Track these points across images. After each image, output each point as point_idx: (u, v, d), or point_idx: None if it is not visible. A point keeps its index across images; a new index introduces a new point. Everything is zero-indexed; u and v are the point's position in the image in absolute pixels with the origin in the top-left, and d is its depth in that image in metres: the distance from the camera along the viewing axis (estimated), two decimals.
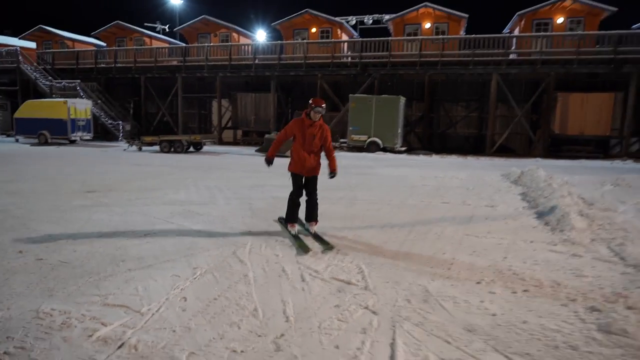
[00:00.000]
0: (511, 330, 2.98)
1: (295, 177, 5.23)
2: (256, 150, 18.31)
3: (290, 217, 5.31)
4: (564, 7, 22.10)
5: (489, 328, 3.00)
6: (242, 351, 2.64)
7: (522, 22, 23.06)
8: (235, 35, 29.26)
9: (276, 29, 28.00)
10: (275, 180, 9.97)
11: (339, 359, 2.56)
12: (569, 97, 20.40)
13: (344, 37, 27.64)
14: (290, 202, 5.27)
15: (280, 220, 5.92)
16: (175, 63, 27.29)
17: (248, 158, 16.51)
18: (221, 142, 26.05)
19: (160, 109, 27.80)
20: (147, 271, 3.97)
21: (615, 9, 21.09)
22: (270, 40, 31.88)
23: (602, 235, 5.39)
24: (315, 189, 5.32)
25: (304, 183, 5.23)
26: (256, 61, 25.20)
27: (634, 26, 23.35)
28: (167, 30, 38.60)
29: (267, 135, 18.10)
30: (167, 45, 30.92)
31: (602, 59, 19.88)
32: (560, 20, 22.35)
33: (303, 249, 4.66)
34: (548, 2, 22.07)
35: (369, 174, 11.79)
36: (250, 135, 26.89)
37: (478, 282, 3.84)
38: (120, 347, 2.66)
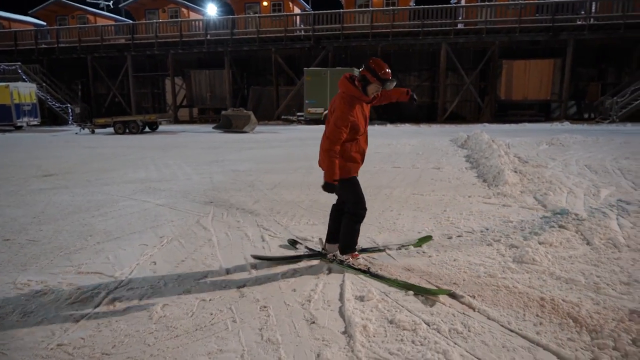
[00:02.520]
0: (443, 267, 3.49)
1: (354, 182, 3.49)
2: (213, 127, 18.30)
3: (353, 243, 3.57)
4: None
5: (425, 266, 3.49)
6: (210, 299, 3.00)
7: None
8: (184, 10, 28.45)
9: (227, 3, 27.44)
10: (232, 154, 10.20)
11: (295, 299, 2.97)
12: (513, 64, 21.42)
13: (297, 10, 27.48)
14: (352, 223, 3.51)
15: (291, 241, 4.12)
16: (123, 41, 26.34)
17: (206, 135, 16.52)
18: (177, 121, 25.67)
19: (110, 90, 26.92)
20: (116, 242, 4.23)
21: None
22: (222, 14, 31.18)
23: (531, 188, 6.06)
24: None
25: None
26: (208, 37, 24.74)
27: None
28: (112, 6, 36.85)
29: (223, 112, 18.08)
30: (112, 22, 29.67)
31: (541, 27, 20.92)
32: None
33: (439, 293, 2.96)
34: None
35: None
36: (206, 112, 26.61)
37: (419, 232, 4.35)
38: (98, 304, 2.96)
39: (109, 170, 8.60)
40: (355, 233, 3.54)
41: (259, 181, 7.09)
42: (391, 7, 24.06)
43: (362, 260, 3.55)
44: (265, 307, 2.86)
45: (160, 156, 10.67)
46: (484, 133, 11.20)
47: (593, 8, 21.12)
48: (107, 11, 34.44)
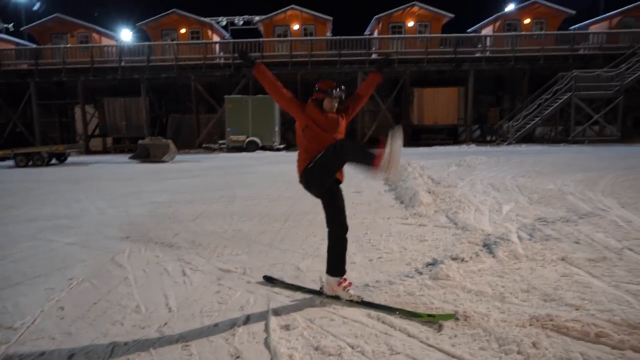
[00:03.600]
0: (365, 288, 3.59)
1: (337, 188, 3.41)
2: (130, 158, 17.42)
3: (340, 266, 3.32)
4: (413, 12, 24.83)
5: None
6: (125, 343, 2.82)
7: (380, 25, 25.33)
8: (95, 35, 27.18)
9: (142, 29, 26.69)
10: (151, 185, 9.77)
11: (219, 334, 2.89)
12: (423, 92, 23.03)
13: (215, 38, 27.43)
14: (337, 243, 3.31)
15: (269, 279, 3.81)
16: (25, 67, 24.43)
17: (121, 166, 15.66)
18: (89, 152, 24.10)
19: (10, 119, 24.68)
20: (16, 289, 3.83)
21: (452, 15, 24.36)
22: (137, 41, 30.16)
23: (443, 207, 6.49)
24: None
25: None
26: (122, 63, 23.77)
27: (468, 30, 27.17)
28: (12, 29, 34.13)
29: (140, 141, 17.32)
30: (13, 46, 27.45)
31: (446, 59, 22.85)
32: (411, 24, 25.05)
33: (444, 318, 2.93)
34: (400, 7, 24.59)
35: (248, 173, 12.11)
36: (122, 142, 25.29)
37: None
38: None
39: (9, 208, 7.81)
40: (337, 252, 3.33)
41: (179, 212, 6.85)
42: (309, 37, 24.90)
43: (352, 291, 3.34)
44: (187, 345, 2.74)
45: (70, 190, 9.92)
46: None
47: (488, 42, 23.56)
48: (7, 34, 31.82)
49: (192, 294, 3.57)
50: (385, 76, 3.58)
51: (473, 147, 19.94)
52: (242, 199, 8.06)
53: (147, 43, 24.72)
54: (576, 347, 2.54)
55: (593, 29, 25.56)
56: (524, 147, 19.22)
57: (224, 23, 32.30)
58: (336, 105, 3.29)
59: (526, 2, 24.71)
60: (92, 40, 26.70)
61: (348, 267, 3.48)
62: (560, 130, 23.12)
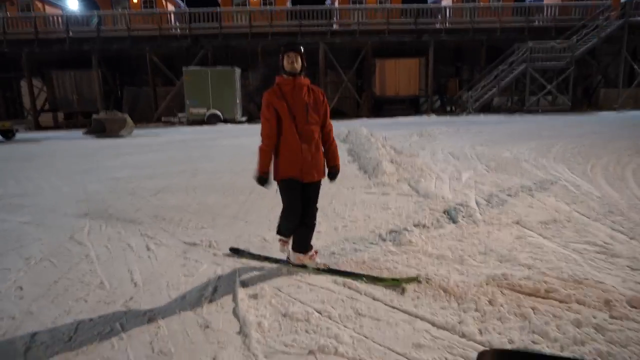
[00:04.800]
0: (331, 256, 3.67)
1: (290, 186, 3.20)
2: (84, 133, 16.67)
3: (304, 244, 3.43)
4: None
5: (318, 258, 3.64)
6: (90, 319, 2.78)
7: None
8: (38, 3, 25.39)
9: None
10: (109, 161, 9.45)
11: (187, 306, 2.90)
12: (385, 63, 23.07)
13: (170, 8, 26.25)
14: (285, 221, 3.42)
15: (236, 251, 3.80)
16: None
17: (76, 142, 14.98)
18: (39, 128, 22.88)
19: None
20: None
21: None
22: (85, 10, 28.38)
23: (405, 176, 6.64)
24: (316, 202, 3.42)
25: (303, 194, 3.26)
26: (70, 34, 22.41)
27: (429, 1, 27.21)
28: None
29: (94, 116, 16.58)
30: None
31: (407, 30, 22.89)
32: None
33: (407, 281, 3.06)
34: None
35: (210, 146, 11.89)
36: (74, 117, 24.12)
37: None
38: None
39: None
40: (286, 223, 3.41)
41: (140, 188, 6.68)
42: (269, 7, 24.25)
43: (319, 260, 3.46)
44: (154, 318, 2.74)
45: (21, 168, 9.44)
46: (363, 127, 11.91)
47: (448, 14, 23.73)
48: None
49: (157, 268, 3.54)
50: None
51: (434, 118, 20.32)
52: (204, 172, 7.94)
53: (96, 12, 23.32)
54: (528, 303, 2.72)
55: (547, 1, 26.18)
56: (482, 117, 19.76)
57: None
58: (299, 62, 3.09)
59: None
60: (34, 8, 24.94)
61: (315, 235, 3.53)
62: (516, 100, 23.87)
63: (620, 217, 4.40)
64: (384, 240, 4.00)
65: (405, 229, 4.13)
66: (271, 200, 5.62)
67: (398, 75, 23.02)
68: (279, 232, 3.52)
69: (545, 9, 24.39)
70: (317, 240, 4.02)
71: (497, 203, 5.01)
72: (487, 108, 22.41)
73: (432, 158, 8.29)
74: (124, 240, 4.27)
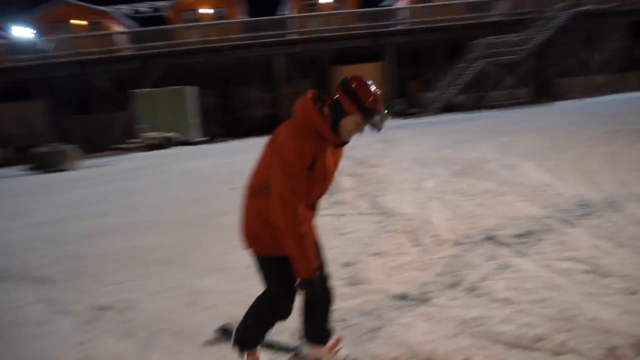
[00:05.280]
0: None
1: (281, 265, 2.02)
2: (30, 169, 15.40)
3: (254, 338, 2.27)
4: None
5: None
6: None
7: (294, 3, 24.50)
8: None
9: (32, 23, 23.88)
10: (41, 201, 8.51)
11: None
12: (344, 69, 22.64)
13: (119, 28, 25.24)
14: (262, 314, 2.23)
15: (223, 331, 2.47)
16: None
17: (9, 182, 13.78)
18: None
19: None
20: None
21: None
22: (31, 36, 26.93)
23: (365, 191, 6.05)
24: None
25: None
26: (9, 64, 21.10)
27: (382, 3, 27.14)
28: None
29: (34, 150, 15.45)
30: None
31: (365, 34, 22.61)
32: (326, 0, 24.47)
33: None
34: None
35: (161, 173, 11.05)
36: (14, 152, 22.48)
37: (247, 267, 3.82)
38: None
39: None
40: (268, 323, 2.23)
41: (66, 232, 5.83)
42: (221, 21, 23.58)
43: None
44: None
45: None
46: None
47: (404, 15, 23.61)
48: None
49: (45, 350, 2.78)
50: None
51: (398, 121, 19.98)
52: (146, 205, 7.14)
53: (36, 39, 22.10)
54: (514, 356, 2.13)
55: None
56: (445, 117, 19.54)
57: (128, 12, 29.80)
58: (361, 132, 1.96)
59: None
60: None
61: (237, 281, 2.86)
62: (477, 97, 23.87)
63: (599, 220, 3.92)
64: (339, 278, 3.36)
65: (362, 262, 3.51)
66: (213, 236, 4.92)
67: None
68: (243, 343, 2.25)
69: (499, 3, 24.59)
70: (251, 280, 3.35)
71: (464, 215, 4.47)
72: (449, 107, 22.27)
73: (394, 167, 7.75)
74: (19, 309, 3.47)
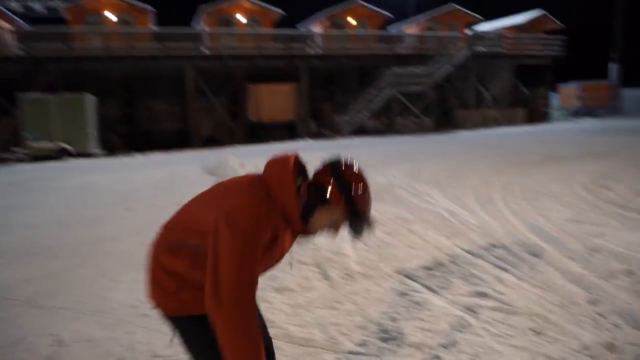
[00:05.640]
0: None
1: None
2: None
3: None
4: (242, 6, 23.95)
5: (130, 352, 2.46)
6: None
7: (208, 17, 23.85)
8: None
9: None
10: None
11: None
12: (259, 88, 22.43)
13: (5, 25, 22.53)
14: None
15: None
16: None
17: None
18: None
19: None
20: None
21: (282, 12, 24.26)
22: None
23: None
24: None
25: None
26: None
27: (298, 25, 27.54)
28: None
29: None
30: None
31: (279, 55, 22.63)
32: (241, 18, 24.14)
33: None
34: (227, 0, 23.52)
35: (46, 188, 9.74)
36: None
37: (130, 307, 3.27)
38: None
39: None
40: None
41: None
42: (128, 28, 22.13)
43: None
44: None
45: None
46: (231, 157, 10.89)
47: (319, 41, 24.11)
48: None
49: None
50: None
51: (310, 142, 20.08)
52: (21, 228, 6.11)
53: None
54: None
55: (407, 31, 28.16)
56: (356, 140, 20.04)
57: (18, 9, 26.79)
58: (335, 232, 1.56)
59: (348, 2, 25.90)
60: None
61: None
62: (386, 122, 24.97)
63: (502, 251, 4.00)
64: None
65: (264, 300, 3.15)
66: (96, 267, 4.24)
67: (273, 100, 22.52)
68: None
69: (405, 38, 26.18)
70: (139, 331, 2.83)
71: (374, 245, 4.33)
72: (360, 130, 22.97)
73: None
74: None
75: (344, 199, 1.44)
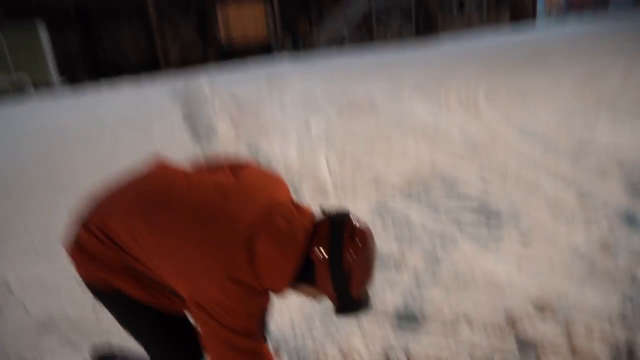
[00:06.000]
0: None
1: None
2: None
3: None
4: None
5: None
6: None
7: None
8: None
9: None
10: None
11: None
12: (227, 10, 20.89)
13: None
14: None
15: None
16: None
17: None
18: None
19: None
20: None
21: None
22: None
23: (245, 138, 5.35)
24: None
25: None
26: None
27: None
28: None
29: None
30: None
31: None
32: None
33: None
34: None
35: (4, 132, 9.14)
36: None
37: None
38: None
39: None
40: None
41: None
42: None
43: None
44: None
45: None
46: (203, 82, 10.23)
47: None
48: None
49: None
50: None
51: (286, 60, 19.11)
52: None
53: None
54: None
55: None
56: (334, 54, 19.10)
57: None
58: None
59: None
60: None
61: None
62: (364, 33, 23.72)
63: (487, 160, 3.73)
64: None
65: None
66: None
67: (244, 20, 21.10)
68: None
69: None
70: None
71: (350, 161, 4.03)
72: (339, 43, 21.86)
73: (279, 108, 7.09)
74: None
75: (335, 294, 1.10)
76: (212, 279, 1.05)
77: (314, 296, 1.17)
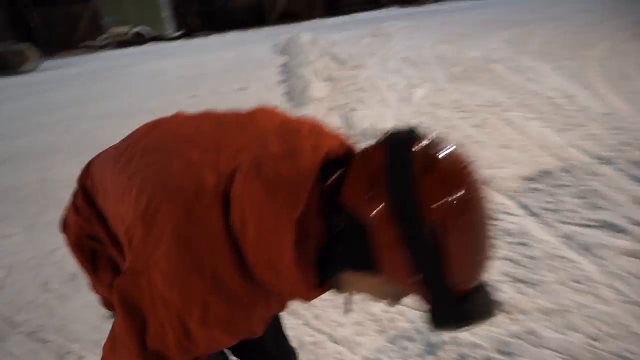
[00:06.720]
0: None
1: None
2: None
3: None
4: None
5: None
6: None
7: None
8: None
9: None
10: None
11: None
12: None
13: None
14: None
15: None
16: None
17: None
18: None
19: None
20: None
21: None
22: None
23: (340, 101, 4.92)
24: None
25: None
26: None
27: None
28: None
29: None
30: None
31: None
32: None
33: None
34: None
35: (121, 76, 9.74)
36: None
37: None
38: None
39: None
40: None
41: None
42: None
43: None
44: None
45: None
46: (303, 33, 9.83)
47: None
48: None
49: None
50: None
51: (395, 10, 17.84)
52: (91, 119, 6.08)
53: None
54: None
55: None
56: (445, 5, 17.33)
57: None
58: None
59: None
60: None
61: None
62: None
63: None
64: None
65: None
66: None
67: None
68: None
69: None
70: None
71: (459, 142, 3.42)
72: None
73: (381, 68, 6.48)
74: None
75: (418, 276, 0.57)
76: (157, 247, 0.62)
77: (383, 293, 0.65)
